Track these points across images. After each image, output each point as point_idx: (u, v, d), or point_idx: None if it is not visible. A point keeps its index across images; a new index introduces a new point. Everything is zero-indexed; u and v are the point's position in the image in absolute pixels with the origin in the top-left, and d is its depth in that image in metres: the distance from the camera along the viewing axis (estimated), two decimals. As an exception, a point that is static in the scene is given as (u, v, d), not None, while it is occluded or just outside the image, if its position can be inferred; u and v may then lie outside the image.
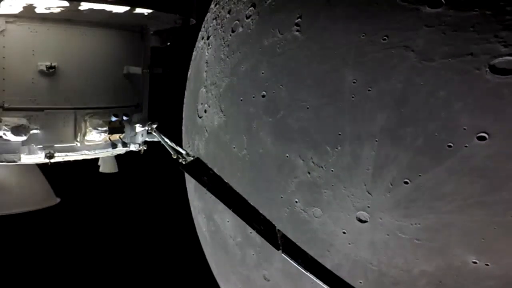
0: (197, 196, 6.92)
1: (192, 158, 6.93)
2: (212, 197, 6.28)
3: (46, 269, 14.31)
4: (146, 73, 9.39)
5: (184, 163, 7.11)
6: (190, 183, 7.28)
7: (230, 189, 5.81)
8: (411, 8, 4.17)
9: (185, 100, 7.46)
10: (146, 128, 8.89)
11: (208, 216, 6.51)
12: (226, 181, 5.93)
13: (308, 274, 5.00)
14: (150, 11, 8.40)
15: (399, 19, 4.22)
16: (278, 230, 5.28)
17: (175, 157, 7.78)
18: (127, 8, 8.01)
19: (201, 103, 6.40)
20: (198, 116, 6.51)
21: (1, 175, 9.25)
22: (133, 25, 9.13)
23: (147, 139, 9.34)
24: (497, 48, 3.80)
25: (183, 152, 7.32)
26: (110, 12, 8.01)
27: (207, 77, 6.29)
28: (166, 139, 8.22)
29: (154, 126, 8.74)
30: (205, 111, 6.24)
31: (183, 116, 7.57)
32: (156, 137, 8.75)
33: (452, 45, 3.96)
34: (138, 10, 8.28)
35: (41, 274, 14.23)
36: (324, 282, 4.91)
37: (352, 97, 4.41)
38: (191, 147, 7.09)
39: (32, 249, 14.36)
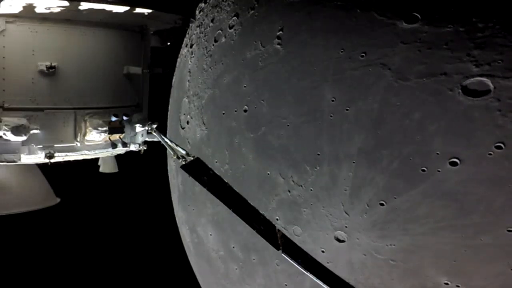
0: (180, 207, 6.92)
1: (192, 158, 6.91)
2: (194, 210, 6.28)
3: (46, 269, 14.46)
4: (146, 73, 9.37)
5: (184, 163, 7.09)
6: (174, 193, 7.28)
7: (230, 189, 5.79)
8: (388, 23, 4.12)
9: (169, 108, 7.44)
10: (146, 128, 8.86)
11: (191, 228, 6.50)
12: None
13: (308, 274, 4.99)
14: (150, 11, 8.38)
15: (376, 34, 4.18)
16: (278, 230, 5.26)
17: (175, 157, 7.78)
18: (127, 8, 7.99)
19: (184, 114, 6.37)
20: (181, 126, 6.49)
21: (1, 175, 9.31)
22: (133, 25, 9.11)
23: (147, 139, 9.33)
24: (469, 68, 3.78)
25: (183, 152, 7.29)
26: (110, 12, 8.00)
27: (189, 87, 6.26)
28: (166, 139, 8.19)
29: (154, 126, 8.69)
30: (188, 122, 6.21)
31: (168, 124, 7.55)
32: (156, 137, 8.73)
33: (427, 63, 3.94)
34: (138, 10, 8.26)
35: (41, 274, 14.38)
36: (324, 282, 4.90)
37: (331, 116, 4.38)
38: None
39: (32, 249, 14.50)
